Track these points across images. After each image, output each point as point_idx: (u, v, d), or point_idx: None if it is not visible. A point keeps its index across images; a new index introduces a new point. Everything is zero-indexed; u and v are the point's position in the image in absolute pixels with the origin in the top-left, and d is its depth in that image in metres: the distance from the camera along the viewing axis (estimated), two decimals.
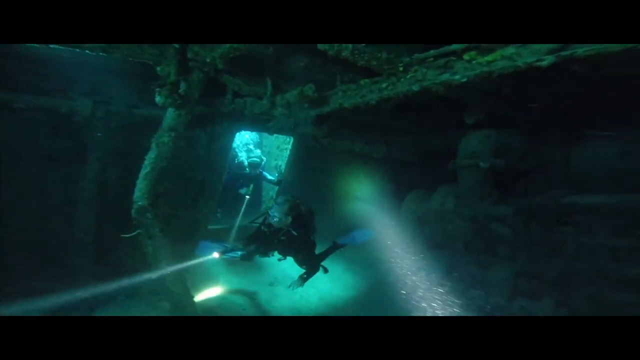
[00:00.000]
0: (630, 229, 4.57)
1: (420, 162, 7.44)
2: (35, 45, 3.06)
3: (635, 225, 4.50)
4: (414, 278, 6.33)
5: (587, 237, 5.01)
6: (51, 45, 2.89)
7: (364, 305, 6.47)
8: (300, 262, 4.41)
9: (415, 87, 3.21)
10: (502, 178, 5.88)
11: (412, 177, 7.58)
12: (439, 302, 5.94)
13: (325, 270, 4.62)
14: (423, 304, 6.00)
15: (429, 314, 5.80)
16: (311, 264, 4.38)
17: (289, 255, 4.36)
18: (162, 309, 5.03)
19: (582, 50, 1.93)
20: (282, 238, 4.10)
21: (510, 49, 2.40)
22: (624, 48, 1.75)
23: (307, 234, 4.27)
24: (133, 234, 3.86)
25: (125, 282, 4.66)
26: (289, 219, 4.05)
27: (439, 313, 5.77)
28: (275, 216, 4.01)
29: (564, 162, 5.83)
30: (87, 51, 3.01)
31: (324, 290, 6.63)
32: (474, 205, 5.56)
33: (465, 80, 2.83)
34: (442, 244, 6.18)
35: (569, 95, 4.63)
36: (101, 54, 3.13)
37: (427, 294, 6.07)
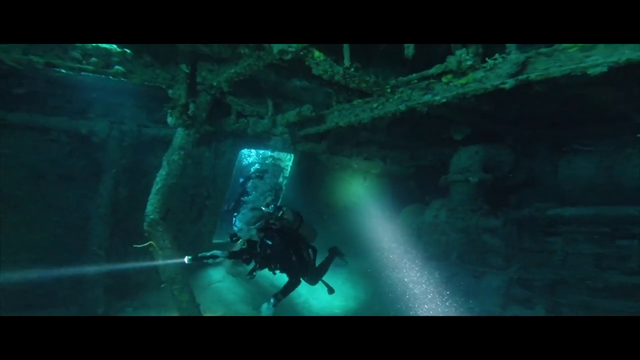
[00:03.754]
0: (610, 239, 4.82)
1: (416, 177, 7.77)
2: (62, 70, 3.46)
3: (613, 235, 4.75)
4: (411, 289, 6.50)
5: (573, 246, 5.25)
6: (83, 73, 3.28)
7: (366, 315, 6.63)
8: (288, 275, 3.77)
9: (402, 107, 3.58)
10: (493, 191, 6.19)
11: (408, 191, 7.88)
12: (436, 311, 6.09)
13: (331, 291, 4.26)
14: (421, 314, 6.16)
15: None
16: (294, 275, 3.75)
17: (274, 268, 3.86)
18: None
19: (534, 74, 2.28)
20: (259, 250, 3.69)
21: (480, 73, 2.77)
22: (563, 73, 2.10)
23: (289, 242, 3.77)
24: (145, 244, 4.13)
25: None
26: (254, 230, 3.58)
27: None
28: (236, 226, 3.62)
29: (552, 175, 6.17)
30: (110, 77, 3.41)
31: (324, 301, 6.81)
32: (466, 217, 5.83)
33: (445, 100, 3.20)
34: (437, 255, 6.40)
35: (550, 112, 5.00)
36: (122, 79, 3.53)
37: (425, 304, 6.23)
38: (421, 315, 6.00)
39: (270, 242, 3.63)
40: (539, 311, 5.30)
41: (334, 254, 4.55)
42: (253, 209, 3.73)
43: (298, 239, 3.97)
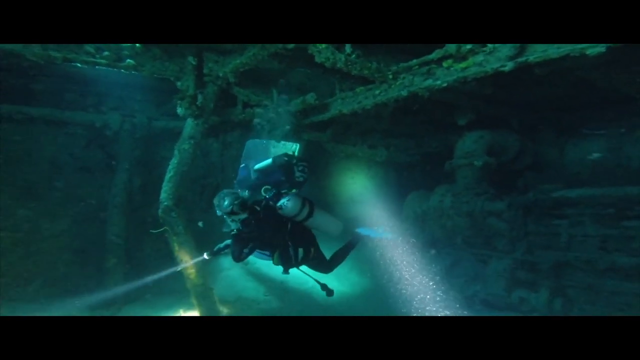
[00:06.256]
0: (615, 220, 4.85)
1: (422, 164, 7.80)
2: (78, 64, 3.59)
3: (619, 215, 4.77)
4: (417, 275, 6.61)
5: (578, 228, 5.28)
6: (96, 67, 3.41)
7: (370, 302, 6.79)
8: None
9: (404, 93, 3.64)
10: (499, 175, 6.22)
11: (414, 179, 7.94)
12: (442, 297, 6.20)
13: (330, 293, 4.05)
14: (427, 300, 6.28)
15: (432, 310, 6.07)
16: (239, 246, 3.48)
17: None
18: (185, 303, 5.46)
19: (532, 57, 2.33)
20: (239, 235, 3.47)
21: (480, 57, 2.81)
22: (561, 55, 2.14)
23: (263, 232, 3.48)
24: (160, 230, 4.33)
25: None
26: (227, 217, 3.41)
27: (443, 309, 6.02)
28: (217, 212, 3.50)
29: (559, 159, 6.16)
30: (122, 70, 3.54)
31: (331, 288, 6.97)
32: (471, 201, 5.89)
33: (445, 85, 3.25)
34: (442, 240, 6.49)
35: (555, 96, 4.99)
36: (133, 72, 3.65)
37: (431, 290, 6.34)
38: (428, 303, 6.11)
39: (246, 230, 3.41)
40: (543, 294, 5.38)
41: (355, 241, 4.37)
42: (228, 194, 3.48)
43: (296, 232, 3.67)
